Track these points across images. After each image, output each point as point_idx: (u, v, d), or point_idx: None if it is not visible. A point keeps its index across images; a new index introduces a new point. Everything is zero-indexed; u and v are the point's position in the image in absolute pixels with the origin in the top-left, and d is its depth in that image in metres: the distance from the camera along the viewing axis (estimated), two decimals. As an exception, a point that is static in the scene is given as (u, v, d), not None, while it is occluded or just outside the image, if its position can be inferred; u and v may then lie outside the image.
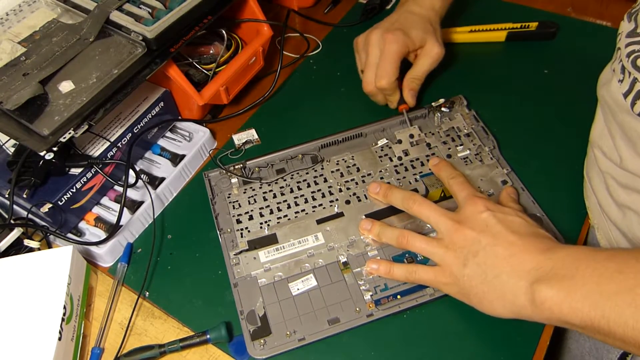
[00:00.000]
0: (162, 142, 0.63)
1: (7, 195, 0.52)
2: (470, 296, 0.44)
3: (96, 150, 0.56)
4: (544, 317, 0.40)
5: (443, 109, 0.63)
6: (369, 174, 0.59)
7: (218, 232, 0.55)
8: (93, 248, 0.54)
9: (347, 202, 0.57)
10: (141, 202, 0.58)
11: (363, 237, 0.53)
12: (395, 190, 0.53)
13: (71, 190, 0.53)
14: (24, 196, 0.51)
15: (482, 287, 0.43)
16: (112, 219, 0.57)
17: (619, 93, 0.46)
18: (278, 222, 0.56)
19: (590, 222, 0.55)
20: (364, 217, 0.55)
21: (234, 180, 0.59)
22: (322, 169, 0.60)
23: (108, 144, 0.56)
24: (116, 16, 0.53)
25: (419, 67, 0.62)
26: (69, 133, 0.47)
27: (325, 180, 0.59)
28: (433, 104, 0.63)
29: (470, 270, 0.44)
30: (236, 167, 0.60)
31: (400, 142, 0.61)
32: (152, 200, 0.57)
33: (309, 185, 0.58)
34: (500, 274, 0.42)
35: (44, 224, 0.54)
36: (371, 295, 0.50)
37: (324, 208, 0.56)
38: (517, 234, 0.44)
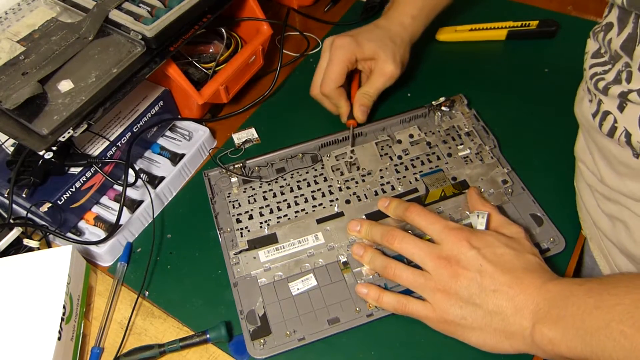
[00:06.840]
0: (161, 141, 0.63)
1: (6, 195, 0.52)
2: (470, 337, 0.44)
3: (95, 149, 0.56)
4: (547, 355, 0.42)
5: (443, 107, 0.63)
6: (369, 173, 0.59)
7: (218, 231, 0.55)
8: (93, 247, 0.54)
9: (347, 201, 0.56)
10: (141, 202, 0.58)
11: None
12: (375, 228, 0.51)
13: (70, 189, 0.53)
14: (24, 195, 0.51)
15: (488, 328, 0.43)
16: (112, 218, 0.56)
17: (589, 113, 0.46)
18: (278, 222, 0.56)
19: (583, 234, 0.55)
20: (364, 216, 0.55)
21: (234, 179, 0.59)
22: (322, 167, 0.59)
23: (107, 143, 0.56)
24: (115, 15, 0.53)
25: (371, 84, 0.61)
26: (68, 132, 0.47)
27: (325, 180, 0.58)
28: (433, 102, 0.63)
29: (469, 312, 0.44)
30: (236, 166, 0.59)
31: (400, 142, 0.61)
32: (151, 200, 0.57)
33: (309, 185, 0.58)
34: (507, 317, 0.43)
35: (43, 223, 0.54)
36: (371, 295, 0.50)
37: (324, 207, 0.56)
38: (510, 272, 0.44)
